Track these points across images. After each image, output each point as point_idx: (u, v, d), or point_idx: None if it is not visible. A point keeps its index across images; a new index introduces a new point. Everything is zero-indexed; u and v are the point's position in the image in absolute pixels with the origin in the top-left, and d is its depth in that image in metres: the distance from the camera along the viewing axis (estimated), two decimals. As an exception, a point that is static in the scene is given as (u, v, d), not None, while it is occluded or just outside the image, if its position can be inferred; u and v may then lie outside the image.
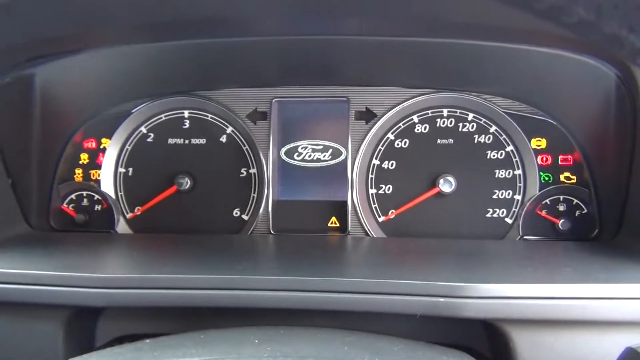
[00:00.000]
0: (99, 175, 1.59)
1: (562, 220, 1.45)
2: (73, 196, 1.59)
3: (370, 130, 1.52)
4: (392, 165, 1.53)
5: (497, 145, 1.50)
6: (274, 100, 1.55)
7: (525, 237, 1.47)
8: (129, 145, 1.59)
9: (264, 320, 1.08)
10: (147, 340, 0.90)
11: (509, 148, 1.50)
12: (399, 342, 0.91)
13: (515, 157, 1.49)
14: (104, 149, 1.59)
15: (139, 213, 1.59)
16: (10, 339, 1.09)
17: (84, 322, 1.13)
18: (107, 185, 1.59)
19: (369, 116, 1.52)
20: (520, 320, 0.97)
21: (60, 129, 1.56)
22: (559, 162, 1.48)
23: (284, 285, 1.01)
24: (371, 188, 1.54)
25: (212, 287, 1.02)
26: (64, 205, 1.58)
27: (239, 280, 1.02)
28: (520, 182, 1.49)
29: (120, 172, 1.60)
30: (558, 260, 1.25)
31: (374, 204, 1.53)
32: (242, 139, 1.57)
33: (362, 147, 1.52)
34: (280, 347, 0.81)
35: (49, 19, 1.23)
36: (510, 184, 1.50)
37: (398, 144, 1.53)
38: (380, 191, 1.54)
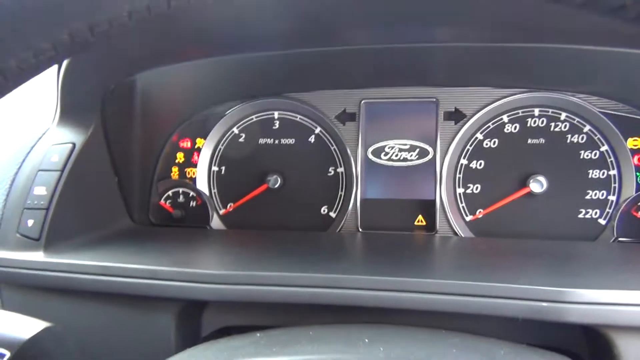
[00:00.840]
0: (194, 174, 1.67)
1: (661, 222, 1.41)
2: (170, 193, 1.69)
3: (459, 130, 1.52)
4: (480, 165, 1.53)
5: (591, 145, 1.47)
6: (362, 102, 1.58)
7: (620, 240, 1.44)
8: (222, 145, 1.67)
9: (357, 317, 1.12)
10: (258, 334, 0.95)
11: (604, 148, 1.46)
12: (502, 344, 0.92)
13: (610, 157, 1.46)
14: (199, 149, 1.67)
15: (231, 210, 1.66)
16: (127, 330, 1.18)
17: (192, 314, 1.21)
18: (202, 183, 1.67)
19: (458, 116, 1.53)
20: (628, 328, 0.96)
21: (159, 130, 1.66)
22: (658, 163, 1.43)
23: (384, 286, 1.04)
24: (459, 187, 1.54)
25: (313, 285, 1.07)
26: (162, 201, 1.68)
27: (340, 280, 1.06)
28: (615, 183, 1.45)
29: (213, 171, 1.67)
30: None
31: (462, 203, 1.54)
32: (330, 139, 1.61)
33: (451, 147, 1.53)
34: (392, 347, 0.84)
35: (165, 36, 1.31)
36: (604, 184, 1.46)
37: (487, 144, 1.53)
38: (468, 190, 1.54)
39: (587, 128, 1.47)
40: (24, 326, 0.90)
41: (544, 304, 0.97)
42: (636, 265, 1.20)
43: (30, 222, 1.28)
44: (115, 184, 1.52)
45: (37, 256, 1.24)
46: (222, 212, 1.67)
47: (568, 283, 0.99)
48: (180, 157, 1.69)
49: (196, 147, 1.68)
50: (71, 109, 1.39)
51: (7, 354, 0.85)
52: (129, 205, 1.58)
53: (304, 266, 1.14)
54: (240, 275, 1.10)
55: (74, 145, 1.35)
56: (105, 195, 1.49)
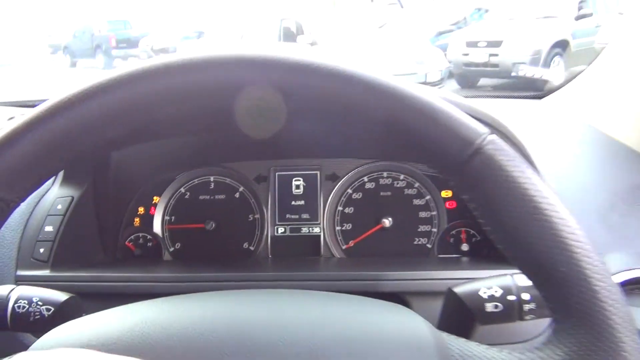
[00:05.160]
0: (151, 222, 2.32)
1: (464, 244, 2.17)
2: (132, 237, 2.31)
3: (334, 187, 2.27)
4: (351, 210, 2.26)
5: (420, 195, 2.24)
6: (271, 168, 2.30)
7: (440, 256, 2.20)
8: (173, 201, 2.33)
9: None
10: None
11: (428, 197, 2.23)
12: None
13: (432, 203, 2.23)
14: (155, 204, 2.32)
15: (178, 247, 2.31)
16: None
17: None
18: (157, 228, 2.31)
19: (334, 177, 2.27)
20: (417, 293, 1.68)
21: (127, 189, 2.31)
22: (461, 206, 2.22)
23: (279, 278, 1.73)
24: (337, 226, 2.26)
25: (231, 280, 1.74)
26: (127, 242, 2.30)
27: (246, 277, 1.74)
28: (435, 220, 2.22)
29: (166, 219, 2.32)
30: (453, 264, 1.97)
31: (339, 236, 2.26)
32: (250, 194, 2.31)
33: (329, 199, 2.27)
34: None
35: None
36: (429, 221, 2.21)
37: (354, 196, 2.26)
38: (344, 228, 2.26)
39: (417, 184, 2.25)
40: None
41: (369, 282, 1.69)
42: (439, 266, 1.95)
43: (41, 250, 1.88)
44: (97, 229, 2.14)
45: (45, 272, 1.84)
46: (171, 249, 2.31)
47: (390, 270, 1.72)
48: (141, 210, 2.33)
49: (153, 202, 2.33)
50: (71, 174, 2.03)
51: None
52: (104, 244, 2.19)
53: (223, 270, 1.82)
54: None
55: (73, 198, 1.98)
56: (90, 235, 2.11)
